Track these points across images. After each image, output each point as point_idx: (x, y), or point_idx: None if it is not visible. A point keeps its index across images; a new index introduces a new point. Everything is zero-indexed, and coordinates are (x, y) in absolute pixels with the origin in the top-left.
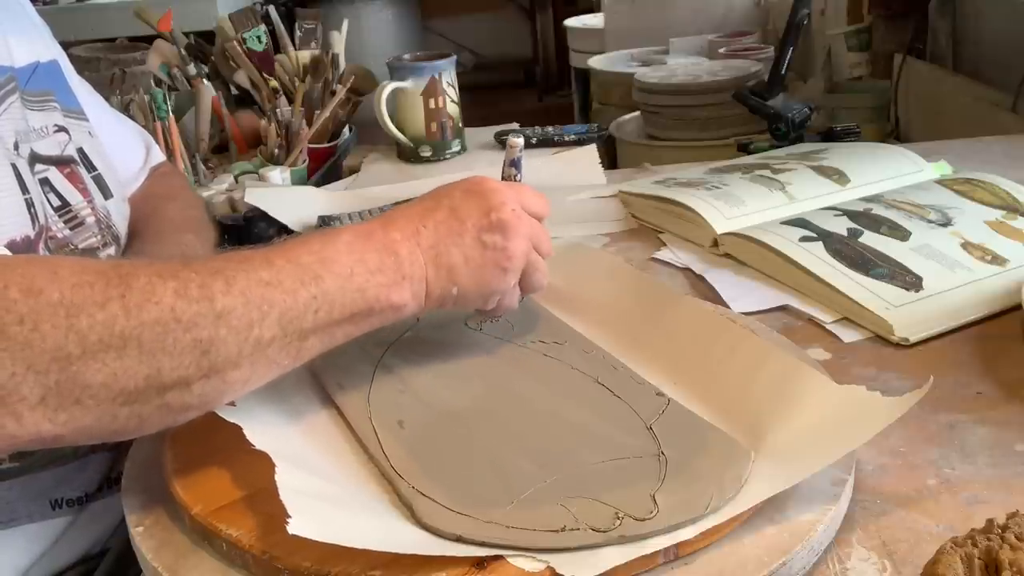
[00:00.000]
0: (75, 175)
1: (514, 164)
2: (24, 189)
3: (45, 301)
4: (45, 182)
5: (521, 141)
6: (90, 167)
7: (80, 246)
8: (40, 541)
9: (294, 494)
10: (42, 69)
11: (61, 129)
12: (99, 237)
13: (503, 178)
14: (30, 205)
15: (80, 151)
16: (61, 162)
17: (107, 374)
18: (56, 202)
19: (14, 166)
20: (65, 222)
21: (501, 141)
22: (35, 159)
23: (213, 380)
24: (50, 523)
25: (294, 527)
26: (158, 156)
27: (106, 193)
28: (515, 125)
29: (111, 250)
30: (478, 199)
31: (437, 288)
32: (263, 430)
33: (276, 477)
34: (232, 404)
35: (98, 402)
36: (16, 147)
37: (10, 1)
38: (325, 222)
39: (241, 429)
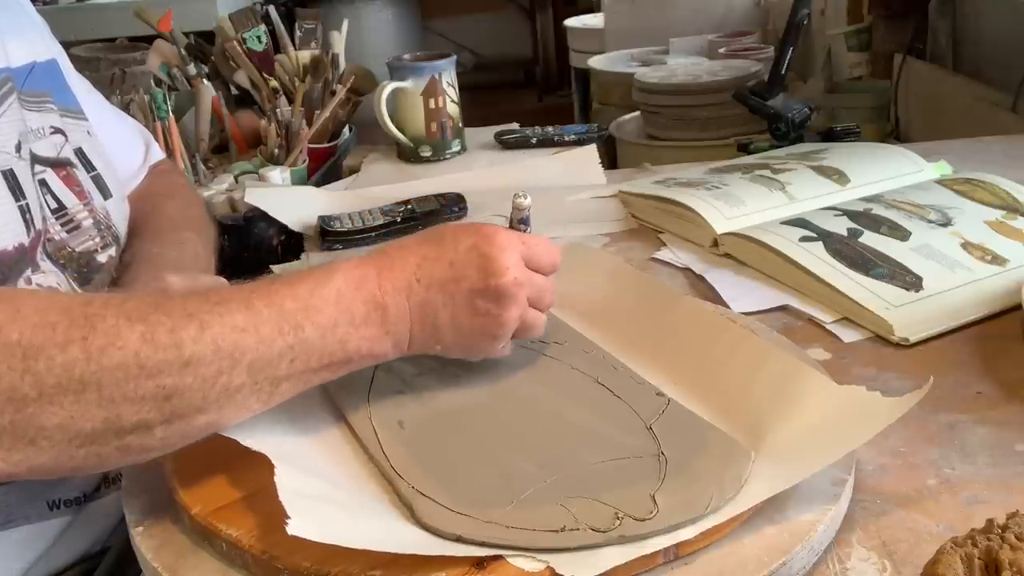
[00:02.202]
0: (71, 177)
1: (523, 221)
2: (19, 195)
3: (3, 341)
4: (43, 183)
5: (528, 201)
6: (89, 167)
7: (78, 249)
8: (38, 542)
9: (293, 495)
10: (39, 69)
11: (57, 131)
12: (98, 239)
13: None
14: (25, 211)
15: (79, 151)
16: (57, 164)
17: (64, 417)
18: (53, 204)
19: (8, 172)
20: (62, 225)
21: (501, 141)
22: (34, 160)
23: (176, 424)
24: (48, 524)
25: (293, 528)
26: (157, 154)
27: (105, 193)
28: (515, 125)
29: (112, 251)
30: (481, 260)
31: (419, 343)
32: (261, 431)
33: (275, 478)
34: None
35: (53, 443)
36: (18, 148)
37: (8, 0)
38: (325, 222)
39: (241, 430)
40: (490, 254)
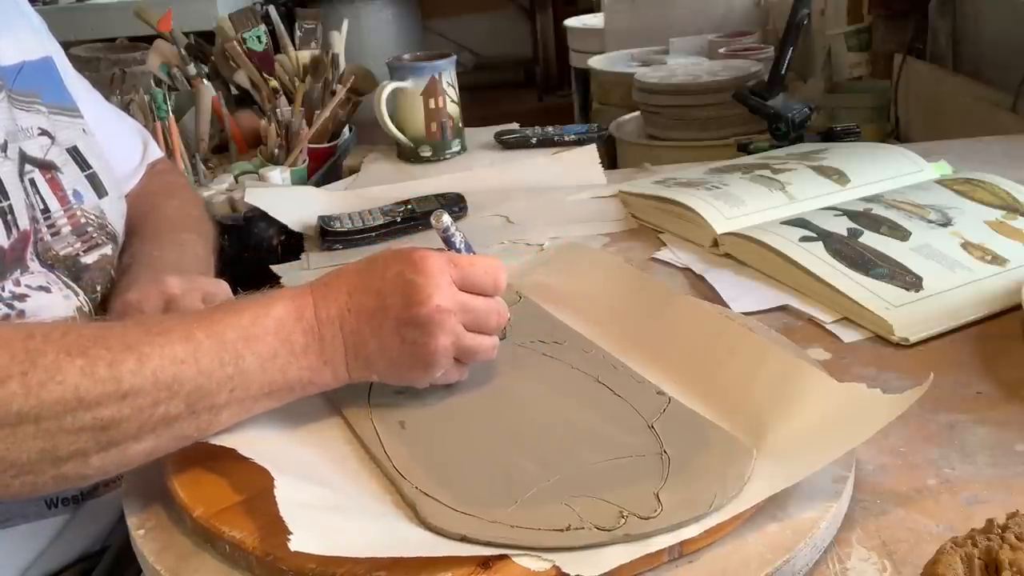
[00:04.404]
0: (55, 181)
1: (447, 243)
2: (0, 197)
3: None
4: (32, 183)
5: (446, 221)
6: (84, 165)
7: (60, 253)
8: (37, 540)
9: (294, 508)
10: (29, 68)
11: (44, 132)
12: (78, 244)
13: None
14: (6, 213)
15: (73, 149)
16: (43, 166)
17: None
18: (41, 205)
19: None
20: (48, 227)
21: (501, 141)
22: (25, 159)
23: (112, 453)
24: (46, 522)
25: (296, 543)
26: (156, 152)
27: (100, 191)
28: (515, 125)
29: (106, 249)
30: (406, 288)
31: (356, 374)
32: (262, 434)
33: (276, 492)
34: None
35: None
36: (4, 148)
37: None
38: (325, 222)
39: (241, 436)
40: (414, 281)
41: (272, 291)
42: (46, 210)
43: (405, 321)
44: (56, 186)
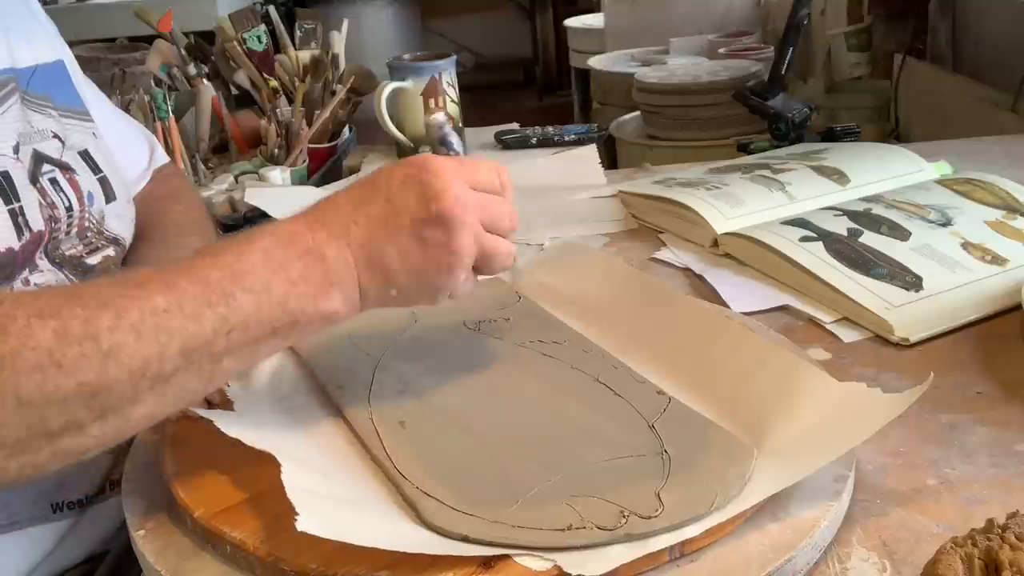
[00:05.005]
0: (74, 181)
1: (443, 143)
2: (11, 199)
3: None
4: (54, 182)
5: (440, 118)
6: (95, 169)
7: (67, 253)
8: (42, 543)
9: (301, 492)
10: (42, 71)
11: (56, 136)
12: (81, 247)
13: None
14: (16, 214)
15: (84, 153)
16: (62, 167)
17: None
18: (66, 203)
19: (3, 175)
20: (66, 226)
21: (501, 141)
22: (43, 160)
23: (111, 419)
24: (52, 526)
25: (302, 524)
26: (162, 158)
27: (109, 196)
28: (515, 125)
29: (108, 251)
30: (417, 187)
31: (372, 291)
32: (263, 433)
33: (282, 476)
34: (231, 409)
35: None
36: (16, 150)
37: (15, 1)
38: None
39: (243, 431)
40: (425, 180)
41: (259, 225)
42: (70, 208)
43: (424, 221)
44: (75, 185)
